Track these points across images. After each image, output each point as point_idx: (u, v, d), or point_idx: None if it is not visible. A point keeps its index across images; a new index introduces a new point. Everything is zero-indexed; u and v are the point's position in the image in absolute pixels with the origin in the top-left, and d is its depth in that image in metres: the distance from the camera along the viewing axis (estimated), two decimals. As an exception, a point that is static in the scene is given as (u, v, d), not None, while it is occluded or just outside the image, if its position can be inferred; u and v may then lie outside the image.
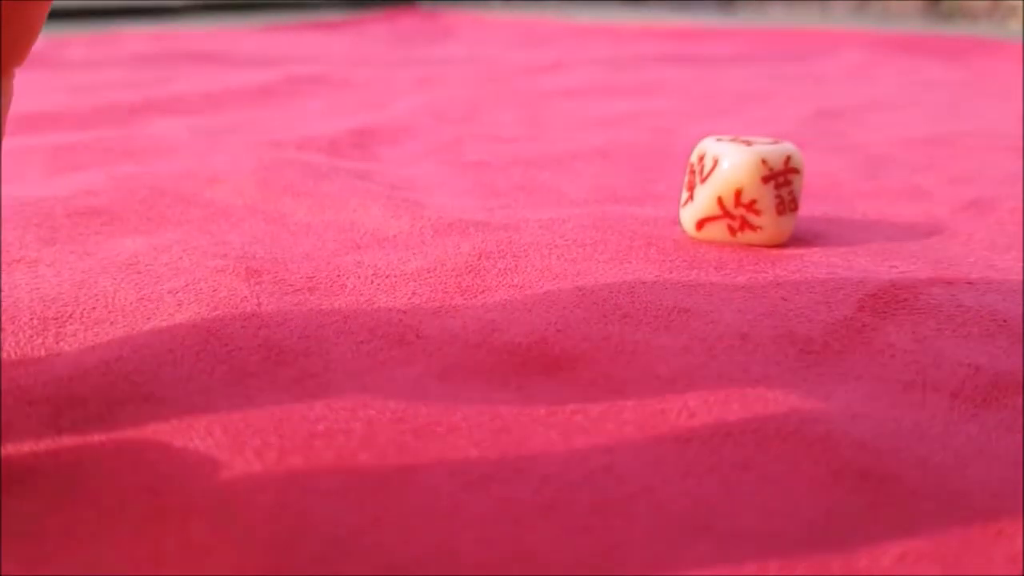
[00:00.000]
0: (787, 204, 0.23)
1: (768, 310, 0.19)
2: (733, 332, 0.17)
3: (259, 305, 0.19)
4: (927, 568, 0.11)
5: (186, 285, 0.20)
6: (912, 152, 0.37)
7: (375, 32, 0.90)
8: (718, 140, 0.23)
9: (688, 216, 0.24)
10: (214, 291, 0.19)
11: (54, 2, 0.99)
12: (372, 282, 0.20)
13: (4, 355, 0.17)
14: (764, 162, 0.22)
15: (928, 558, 0.11)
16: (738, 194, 0.23)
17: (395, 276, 0.20)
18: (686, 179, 0.24)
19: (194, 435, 0.14)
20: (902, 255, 0.23)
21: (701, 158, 0.23)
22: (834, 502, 0.12)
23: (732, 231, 0.23)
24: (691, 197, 0.24)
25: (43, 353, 0.17)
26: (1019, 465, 0.13)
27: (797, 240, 0.24)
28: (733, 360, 0.16)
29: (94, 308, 0.19)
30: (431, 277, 0.20)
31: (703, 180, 0.23)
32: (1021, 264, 0.22)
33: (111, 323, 0.18)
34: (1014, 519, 0.12)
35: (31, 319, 0.18)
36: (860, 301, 0.19)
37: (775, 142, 0.23)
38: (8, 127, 0.38)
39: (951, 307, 0.19)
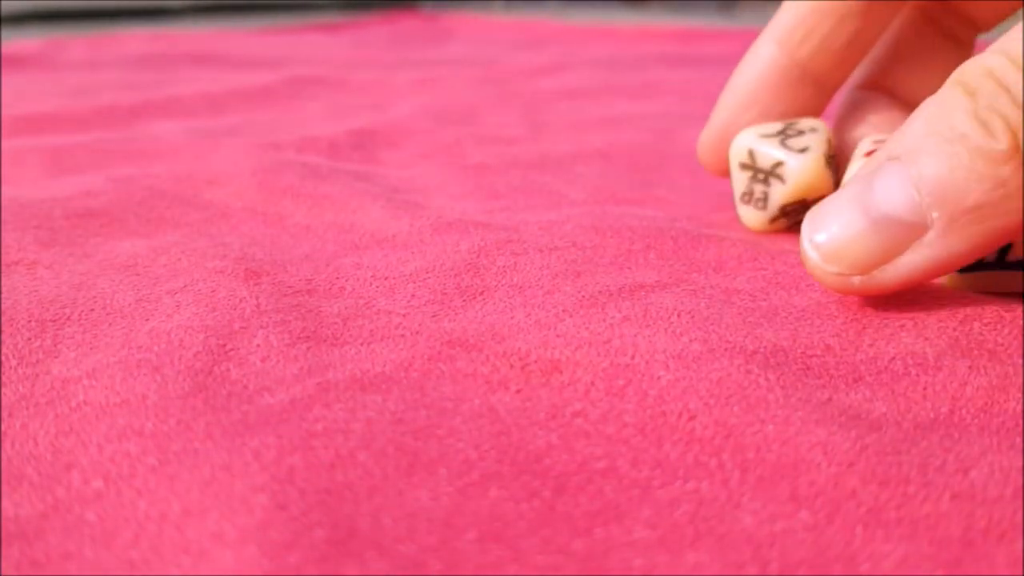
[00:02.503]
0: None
1: (769, 312, 0.19)
2: (734, 333, 0.17)
3: (258, 307, 0.19)
4: (930, 570, 0.11)
5: (185, 286, 0.20)
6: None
7: (375, 34, 0.90)
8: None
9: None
10: (213, 292, 0.19)
11: (53, 3, 0.99)
12: (371, 284, 0.20)
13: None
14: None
15: (931, 561, 0.11)
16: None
17: (394, 277, 0.20)
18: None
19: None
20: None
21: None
22: (835, 504, 0.12)
23: None
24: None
25: (41, 356, 0.17)
26: (1019, 467, 0.13)
27: (797, 242, 0.24)
28: (734, 361, 0.16)
29: (92, 310, 0.19)
30: (430, 277, 0.20)
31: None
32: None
33: (109, 325, 0.18)
34: (1015, 521, 0.12)
35: (29, 321, 0.18)
36: (862, 303, 0.19)
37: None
38: (7, 128, 0.38)
39: (953, 311, 0.19)
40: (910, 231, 0.16)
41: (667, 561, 0.11)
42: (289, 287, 0.20)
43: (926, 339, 0.17)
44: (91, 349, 0.17)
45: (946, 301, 0.19)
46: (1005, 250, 0.18)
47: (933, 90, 0.24)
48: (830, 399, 0.15)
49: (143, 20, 1.01)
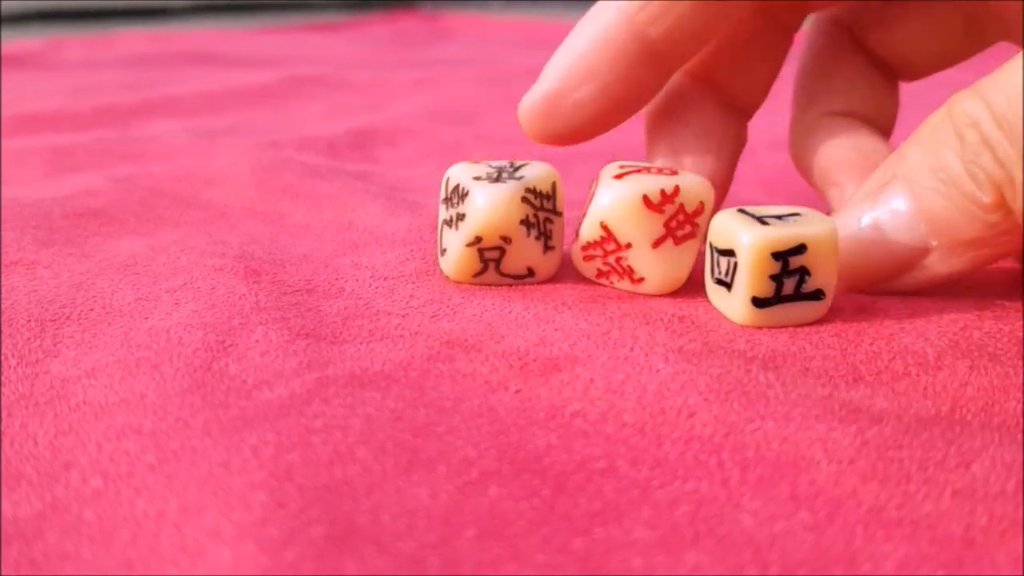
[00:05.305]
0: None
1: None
2: (732, 339, 0.17)
3: (257, 304, 0.18)
4: (931, 569, 0.11)
5: (184, 284, 0.20)
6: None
7: (375, 33, 0.90)
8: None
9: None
10: (212, 289, 0.19)
11: (53, 2, 0.99)
12: (370, 284, 0.20)
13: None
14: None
15: (932, 562, 0.11)
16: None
17: (393, 277, 0.20)
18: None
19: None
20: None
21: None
22: (836, 503, 0.12)
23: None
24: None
25: (40, 355, 0.17)
26: (1021, 461, 0.13)
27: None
28: (734, 361, 0.16)
29: (91, 309, 0.19)
30: (429, 277, 0.20)
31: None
32: (1020, 267, 0.22)
33: (108, 324, 0.18)
34: (1016, 518, 0.12)
35: (28, 321, 0.18)
36: (860, 305, 0.19)
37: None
38: (6, 128, 0.38)
39: (951, 312, 0.19)
40: (911, 252, 0.18)
41: (667, 561, 0.11)
42: (289, 286, 0.20)
43: (926, 340, 0.17)
44: (90, 348, 0.17)
45: (945, 307, 0.19)
46: (802, 281, 0.17)
47: (754, 79, 0.23)
48: (831, 395, 0.15)
49: (143, 20, 1.01)
